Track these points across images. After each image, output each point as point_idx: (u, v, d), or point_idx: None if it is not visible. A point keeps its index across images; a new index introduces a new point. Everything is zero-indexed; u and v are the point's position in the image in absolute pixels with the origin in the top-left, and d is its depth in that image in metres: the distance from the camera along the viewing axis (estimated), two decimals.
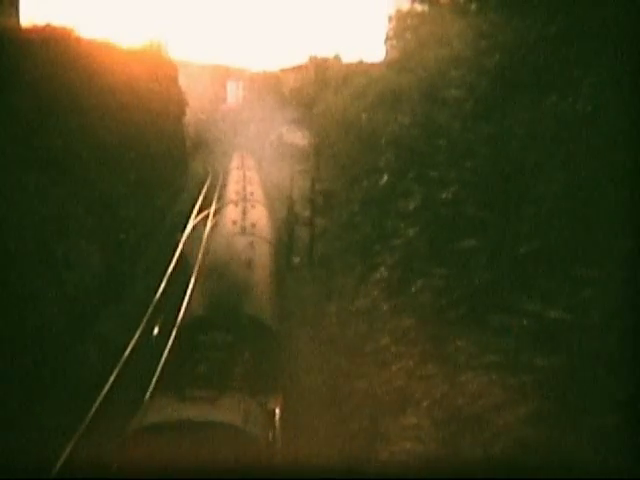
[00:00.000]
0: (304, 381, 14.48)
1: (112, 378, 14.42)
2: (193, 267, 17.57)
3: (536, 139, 11.35)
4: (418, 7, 21.98)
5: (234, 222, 17.74)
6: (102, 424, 12.18)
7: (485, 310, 10.57)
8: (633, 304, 8.37)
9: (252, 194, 22.71)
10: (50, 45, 19.55)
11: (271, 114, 45.72)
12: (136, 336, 16.64)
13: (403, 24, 22.85)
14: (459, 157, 13.27)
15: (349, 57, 40.76)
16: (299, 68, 50.06)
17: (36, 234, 15.34)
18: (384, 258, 15.17)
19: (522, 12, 13.19)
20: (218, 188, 31.13)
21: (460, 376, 10.01)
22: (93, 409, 13.10)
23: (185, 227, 25.48)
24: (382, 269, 15.04)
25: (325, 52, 46.23)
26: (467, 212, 12.31)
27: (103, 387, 14.01)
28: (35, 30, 20.53)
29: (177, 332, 12.86)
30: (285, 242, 22.79)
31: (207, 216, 24.76)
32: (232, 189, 24.52)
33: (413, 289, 12.94)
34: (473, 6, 16.08)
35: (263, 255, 15.63)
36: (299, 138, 40.87)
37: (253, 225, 17.33)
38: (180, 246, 23.11)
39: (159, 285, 20.18)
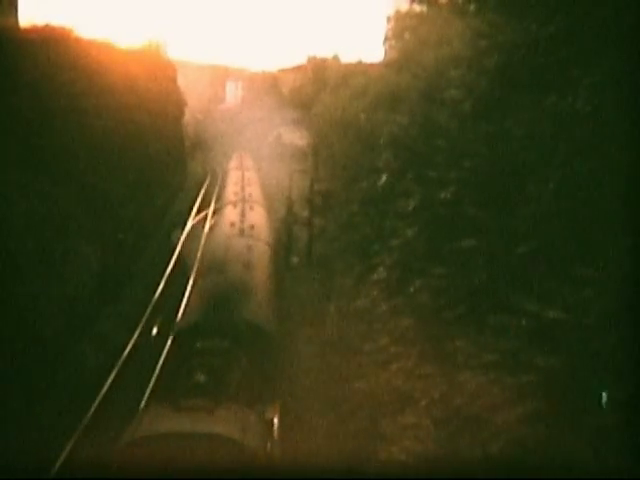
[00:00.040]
0: (303, 382, 14.48)
1: (108, 381, 14.37)
2: (191, 269, 17.54)
3: (535, 139, 11.36)
4: (417, 7, 21.99)
5: (232, 224, 17.70)
6: (96, 433, 12.02)
7: (484, 310, 10.58)
8: (632, 304, 8.38)
9: (251, 195, 22.68)
10: (49, 45, 19.57)
11: (270, 114, 45.75)
12: (135, 336, 16.65)
13: (402, 24, 22.84)
14: (458, 157, 13.27)
15: (348, 57, 40.78)
16: (298, 68, 50.09)
17: (35, 234, 15.33)
18: (383, 258, 15.17)
19: (521, 12, 13.19)
20: (217, 189, 31.11)
21: (459, 376, 10.02)
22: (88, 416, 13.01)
23: (184, 228, 25.46)
24: (381, 269, 15.03)
25: (324, 52, 46.19)
26: (466, 212, 12.30)
27: (99, 391, 13.92)
28: (34, 30, 20.56)
29: (173, 338, 12.60)
30: (284, 243, 22.78)
31: (206, 217, 24.73)
32: (231, 190, 24.49)
33: (412, 289, 12.93)
34: (472, 6, 16.10)
35: (262, 258, 15.57)
36: (298, 138, 40.89)
37: (252, 227, 17.30)
38: (178, 247, 23.09)
39: (157, 286, 20.17)
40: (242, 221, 17.84)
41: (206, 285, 14.20)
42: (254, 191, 23.97)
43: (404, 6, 23.05)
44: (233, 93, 58.83)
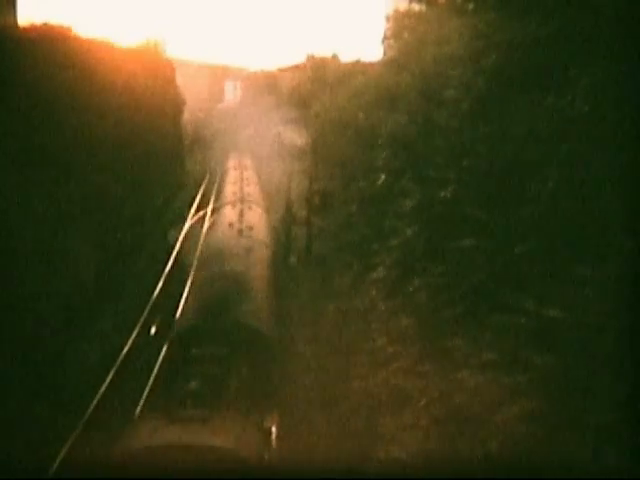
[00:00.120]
0: (301, 382, 14.46)
1: (106, 383, 14.32)
2: (189, 269, 17.49)
3: (533, 138, 11.37)
4: (415, 7, 22.00)
5: (231, 225, 17.65)
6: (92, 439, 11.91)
7: (483, 309, 10.60)
8: (631, 303, 8.38)
9: (249, 195, 22.63)
10: (48, 44, 19.52)
11: (269, 113, 45.66)
12: (133, 336, 16.62)
13: (400, 24, 22.85)
14: (456, 156, 13.29)
15: (347, 56, 40.70)
16: (297, 67, 50.00)
17: (34, 233, 15.32)
18: (382, 257, 15.19)
19: (519, 12, 13.19)
20: (215, 188, 31.08)
21: (457, 374, 10.03)
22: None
23: (182, 227, 25.42)
24: (380, 268, 15.05)
25: (323, 51, 46.05)
26: (465, 211, 12.32)
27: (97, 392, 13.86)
28: (33, 29, 20.50)
29: (169, 344, 12.43)
30: (282, 242, 22.76)
31: (204, 217, 24.69)
32: (229, 190, 24.43)
33: (411, 288, 12.96)
34: (470, 6, 16.09)
35: (260, 259, 15.53)
36: (296, 137, 40.84)
37: (250, 228, 17.24)
38: (177, 247, 23.05)
39: (156, 286, 20.15)
40: (240, 221, 17.80)
41: (204, 287, 14.16)
42: (253, 191, 23.91)
43: (403, 5, 23.07)
44: (232, 92, 58.82)
